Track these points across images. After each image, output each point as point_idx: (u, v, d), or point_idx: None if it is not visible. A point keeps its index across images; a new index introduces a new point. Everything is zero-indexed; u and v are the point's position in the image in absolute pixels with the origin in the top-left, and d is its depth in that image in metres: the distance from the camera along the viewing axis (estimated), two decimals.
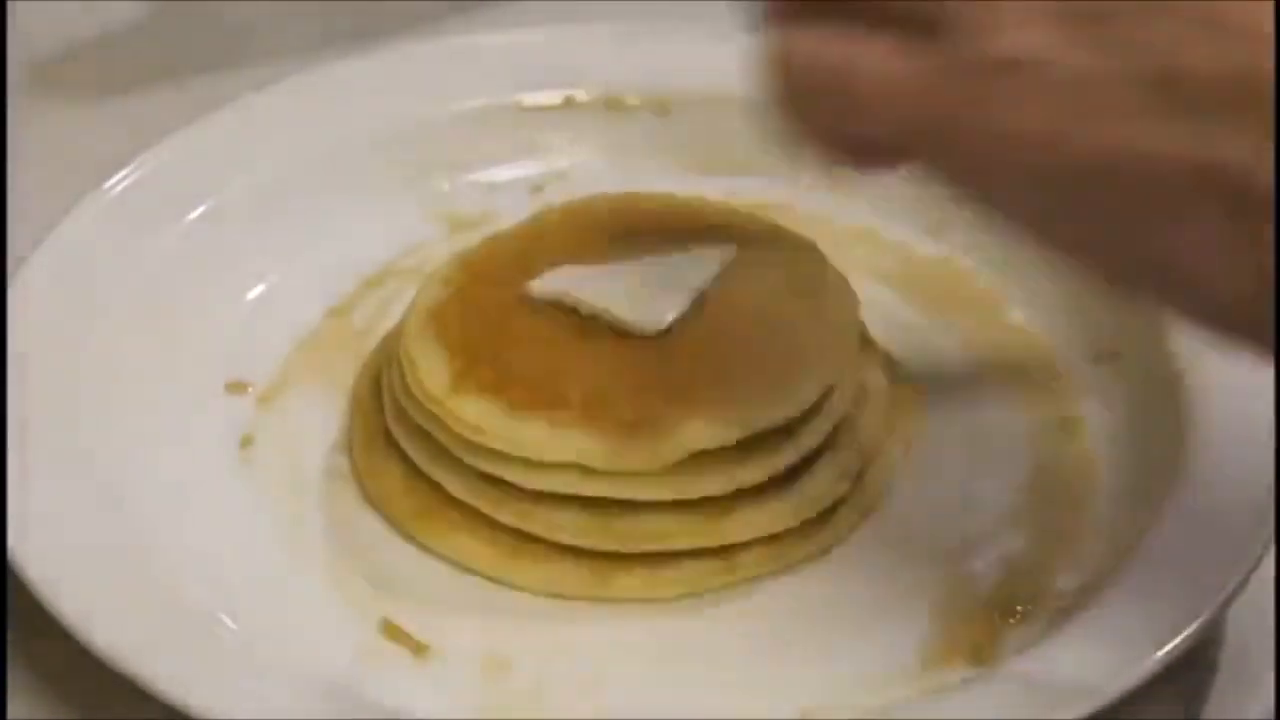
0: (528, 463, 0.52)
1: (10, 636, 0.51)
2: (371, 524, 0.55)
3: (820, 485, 0.54)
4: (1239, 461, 0.52)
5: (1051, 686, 0.47)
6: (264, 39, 0.76)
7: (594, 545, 0.52)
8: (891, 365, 0.59)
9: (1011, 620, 0.52)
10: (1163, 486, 0.53)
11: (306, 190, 0.64)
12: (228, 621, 0.51)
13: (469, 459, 0.53)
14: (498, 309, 0.55)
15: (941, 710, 0.48)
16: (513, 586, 0.53)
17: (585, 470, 0.52)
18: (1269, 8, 0.39)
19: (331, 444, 0.57)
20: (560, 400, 0.52)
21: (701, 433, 0.52)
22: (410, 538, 0.54)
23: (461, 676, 0.51)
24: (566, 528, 0.52)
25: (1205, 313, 0.41)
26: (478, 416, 0.52)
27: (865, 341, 0.57)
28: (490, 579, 0.53)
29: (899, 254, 0.64)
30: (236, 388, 0.59)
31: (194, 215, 0.62)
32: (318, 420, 0.58)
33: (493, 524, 0.53)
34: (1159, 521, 0.51)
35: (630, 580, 0.53)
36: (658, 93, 0.67)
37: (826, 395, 0.54)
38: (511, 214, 0.63)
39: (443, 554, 0.54)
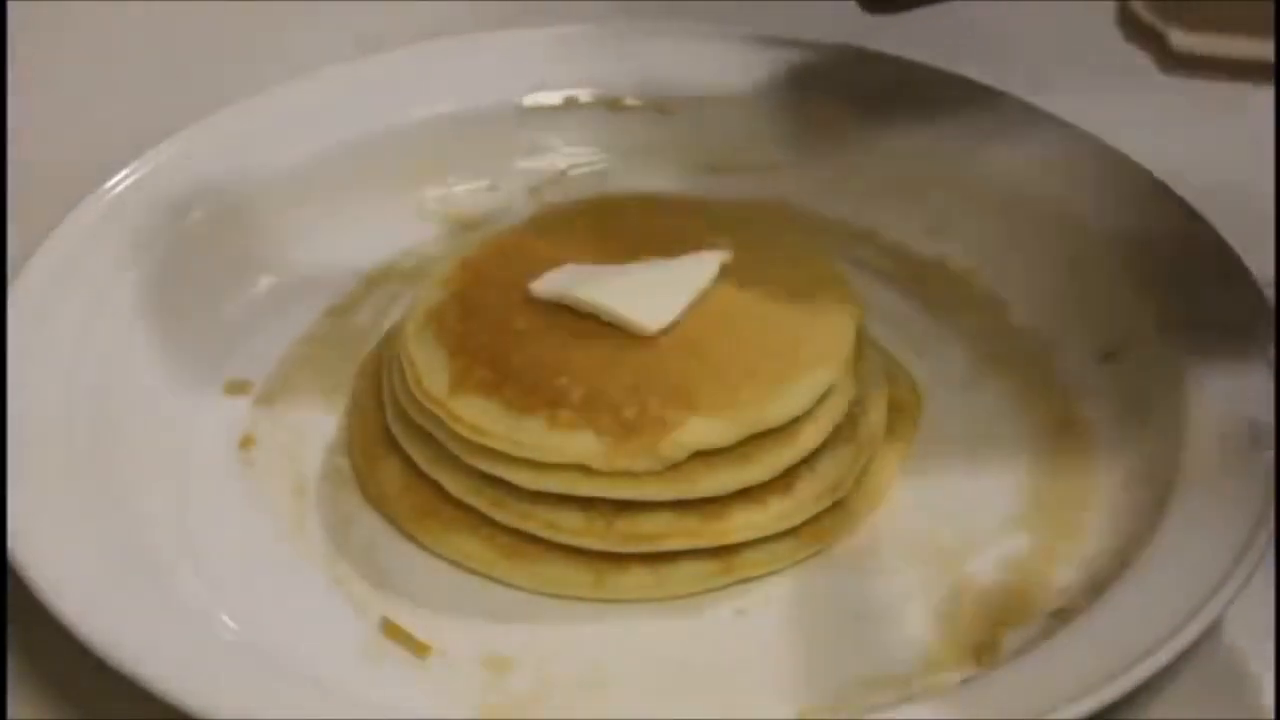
0: (528, 463, 0.52)
1: (10, 636, 0.51)
2: (371, 524, 0.55)
3: (820, 485, 0.54)
4: (1239, 462, 0.52)
5: (1051, 686, 0.47)
6: (264, 40, 0.76)
7: (594, 545, 0.52)
8: (891, 365, 0.59)
9: (1011, 621, 0.52)
10: (1162, 487, 0.53)
11: (306, 190, 0.64)
12: (228, 621, 0.51)
13: (469, 459, 0.53)
14: (498, 309, 0.55)
15: (941, 710, 0.48)
16: (513, 586, 0.53)
17: (585, 470, 0.52)
18: None
19: (331, 444, 0.57)
20: (560, 400, 0.52)
21: (701, 433, 0.52)
22: (410, 538, 0.54)
23: (461, 676, 0.51)
24: (566, 528, 0.52)
25: None
26: (477, 417, 0.52)
27: (865, 341, 0.57)
28: (490, 579, 0.53)
29: (899, 254, 0.64)
30: (236, 388, 0.59)
31: (194, 216, 0.61)
32: (318, 420, 0.58)
33: (492, 524, 0.53)
34: (1159, 522, 0.52)
35: (630, 580, 0.53)
36: (658, 93, 0.67)
37: (826, 395, 0.54)
38: (511, 214, 0.63)
39: (443, 554, 0.54)
